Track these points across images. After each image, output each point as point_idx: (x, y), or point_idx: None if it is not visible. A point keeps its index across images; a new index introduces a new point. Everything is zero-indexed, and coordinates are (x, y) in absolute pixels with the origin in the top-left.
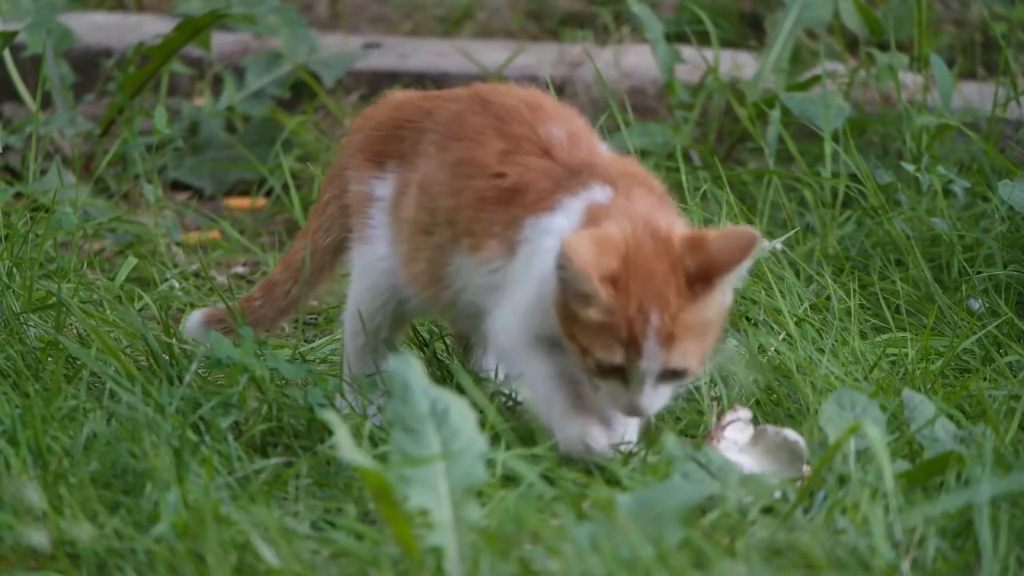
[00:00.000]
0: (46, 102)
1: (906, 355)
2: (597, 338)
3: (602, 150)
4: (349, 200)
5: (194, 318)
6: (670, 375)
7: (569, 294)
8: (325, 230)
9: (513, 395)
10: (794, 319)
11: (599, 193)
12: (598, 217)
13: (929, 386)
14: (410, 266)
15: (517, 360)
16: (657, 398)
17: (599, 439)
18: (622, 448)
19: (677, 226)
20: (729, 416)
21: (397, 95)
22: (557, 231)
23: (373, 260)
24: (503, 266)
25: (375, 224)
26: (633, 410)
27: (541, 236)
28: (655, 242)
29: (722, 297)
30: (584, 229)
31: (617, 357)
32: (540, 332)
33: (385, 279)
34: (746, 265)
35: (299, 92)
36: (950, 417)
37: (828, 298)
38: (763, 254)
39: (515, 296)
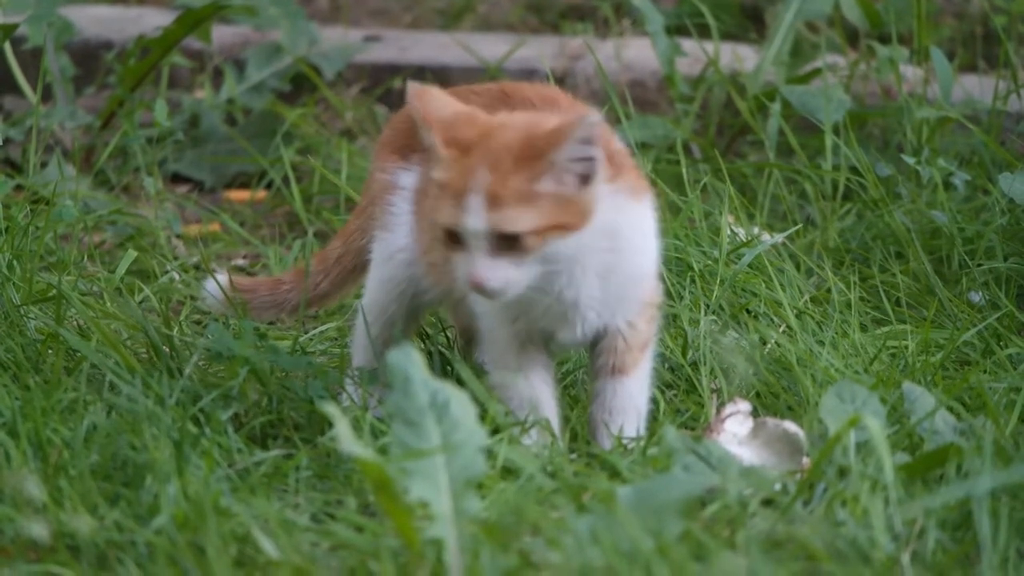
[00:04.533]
0: (46, 95)
1: (906, 347)
2: (436, 204)
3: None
4: (374, 190)
5: (214, 287)
6: (504, 243)
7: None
8: (363, 231)
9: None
10: (794, 311)
11: None
12: None
13: (929, 378)
14: (426, 256)
15: (487, 322)
16: (496, 269)
17: (522, 391)
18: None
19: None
20: (729, 409)
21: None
22: None
23: (393, 251)
24: None
25: (397, 212)
26: (473, 282)
27: None
28: (526, 130)
29: (562, 175)
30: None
31: (446, 215)
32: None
33: (403, 270)
34: (570, 144)
35: (299, 85)
36: (950, 409)
37: (828, 291)
38: (764, 248)
39: None
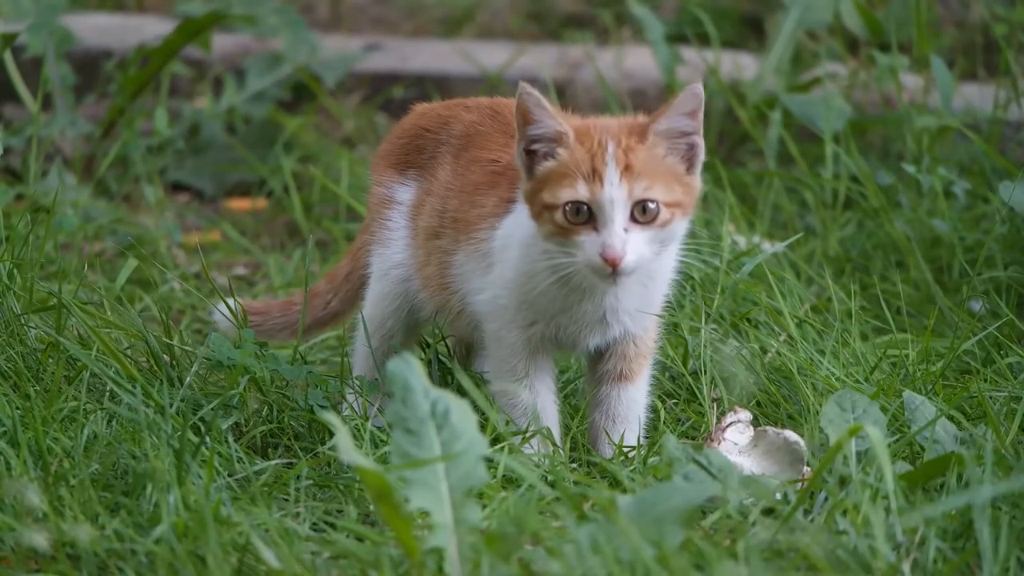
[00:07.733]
0: (47, 103)
1: (907, 356)
2: (560, 184)
3: None
4: (371, 204)
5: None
6: (640, 210)
7: (538, 143)
8: (368, 247)
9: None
10: (795, 320)
11: None
12: None
13: (930, 387)
14: (422, 270)
15: (496, 326)
16: (630, 241)
17: (525, 400)
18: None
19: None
20: (729, 418)
21: (423, 105)
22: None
23: (388, 266)
24: (491, 236)
25: (394, 227)
26: (609, 256)
27: (521, 210)
28: (606, 123)
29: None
30: None
31: (581, 191)
32: (526, 299)
33: (399, 286)
34: (684, 109)
35: (300, 93)
36: (951, 418)
37: (829, 299)
38: (764, 257)
39: (503, 269)
